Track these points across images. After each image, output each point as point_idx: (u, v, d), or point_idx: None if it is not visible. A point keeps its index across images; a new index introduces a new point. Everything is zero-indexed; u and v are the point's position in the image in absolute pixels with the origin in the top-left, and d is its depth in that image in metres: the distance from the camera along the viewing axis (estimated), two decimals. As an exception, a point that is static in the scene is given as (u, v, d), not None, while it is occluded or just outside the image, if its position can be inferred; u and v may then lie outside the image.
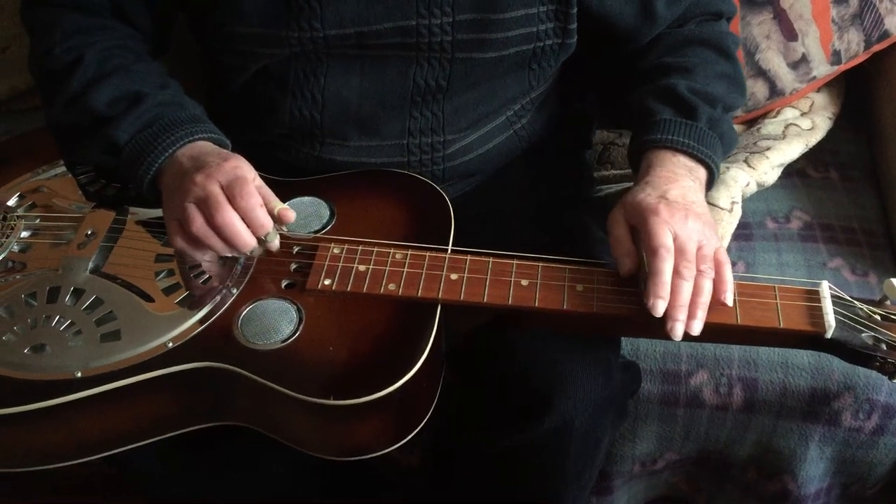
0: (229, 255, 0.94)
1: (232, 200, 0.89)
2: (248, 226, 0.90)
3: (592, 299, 0.92)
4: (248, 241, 0.90)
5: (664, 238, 0.88)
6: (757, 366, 1.15)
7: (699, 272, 0.88)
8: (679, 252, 0.88)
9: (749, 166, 1.27)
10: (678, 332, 0.87)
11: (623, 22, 1.04)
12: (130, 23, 1.05)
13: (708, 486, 1.31)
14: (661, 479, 1.31)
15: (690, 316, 0.87)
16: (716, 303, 0.89)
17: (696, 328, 0.87)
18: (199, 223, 0.89)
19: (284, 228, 0.96)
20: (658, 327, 0.88)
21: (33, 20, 1.05)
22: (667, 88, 1.02)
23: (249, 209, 0.89)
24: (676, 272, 0.87)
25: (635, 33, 1.06)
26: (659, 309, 0.86)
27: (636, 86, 1.07)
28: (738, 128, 1.41)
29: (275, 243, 0.94)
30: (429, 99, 1.05)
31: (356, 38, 0.99)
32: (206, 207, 0.89)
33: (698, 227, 0.91)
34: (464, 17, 0.98)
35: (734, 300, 0.90)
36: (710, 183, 1.01)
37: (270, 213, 0.91)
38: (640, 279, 0.91)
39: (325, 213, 1.02)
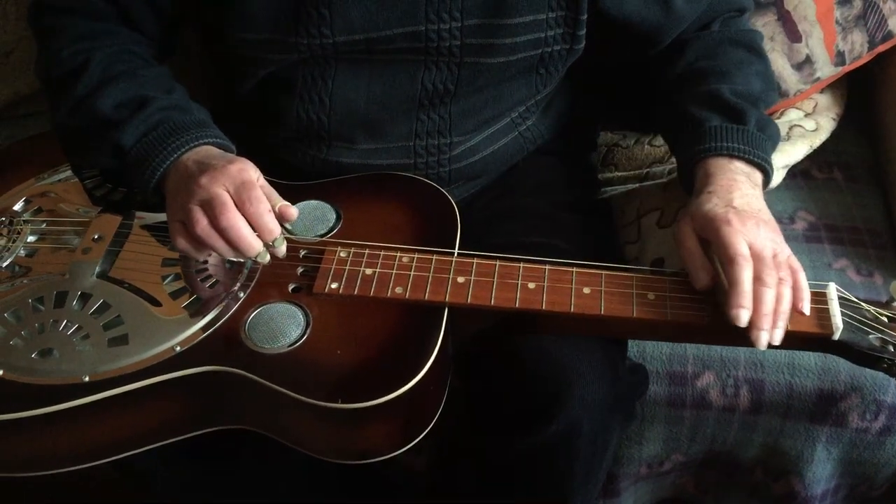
0: (233, 258, 0.94)
1: (241, 206, 0.89)
2: (257, 231, 0.90)
3: (599, 301, 0.92)
4: (252, 244, 0.90)
5: (741, 247, 0.87)
6: (763, 367, 1.15)
7: (779, 280, 0.87)
8: (758, 260, 0.87)
9: (754, 167, 1.27)
10: (763, 341, 0.86)
11: (644, 23, 1.04)
12: (137, 28, 1.05)
13: (714, 487, 1.31)
14: (667, 481, 1.31)
15: (772, 325, 0.86)
16: (795, 312, 0.89)
17: (778, 337, 0.86)
18: (203, 224, 0.89)
19: (288, 226, 0.96)
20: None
21: (40, 25, 1.05)
22: (709, 94, 1.01)
23: (258, 215, 0.89)
24: (759, 280, 0.86)
25: (657, 34, 1.06)
26: (743, 319, 0.85)
27: (672, 92, 1.06)
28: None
29: (282, 249, 0.93)
30: (436, 102, 1.05)
31: (365, 43, 0.99)
32: (211, 209, 0.89)
33: (770, 234, 0.90)
34: (472, 22, 0.98)
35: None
36: (765, 186, 1.00)
37: (272, 209, 0.91)
38: (716, 290, 0.90)
39: (332, 216, 1.02)
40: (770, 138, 1.00)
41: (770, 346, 0.87)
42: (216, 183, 0.89)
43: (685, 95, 1.04)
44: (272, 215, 0.91)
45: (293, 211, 0.93)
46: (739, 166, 0.97)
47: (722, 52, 1.06)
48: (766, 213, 0.94)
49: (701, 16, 1.07)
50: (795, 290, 0.89)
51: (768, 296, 0.86)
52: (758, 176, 0.98)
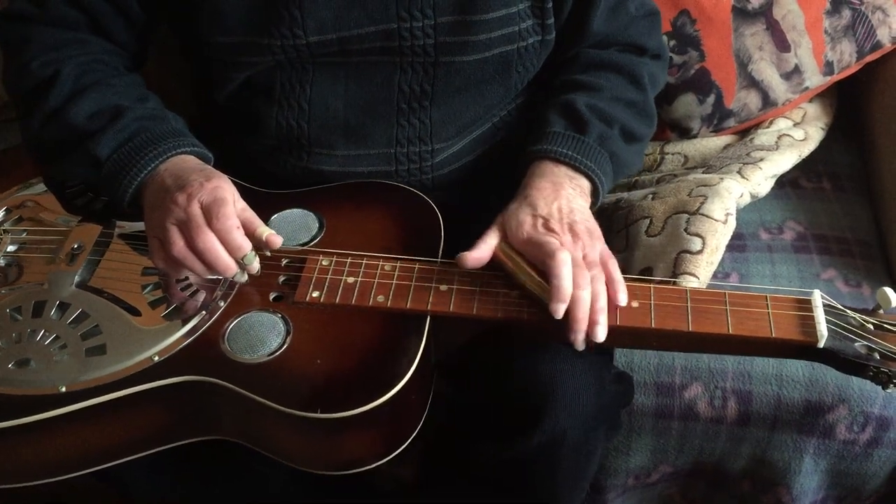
0: (210, 277, 0.93)
1: (209, 222, 0.89)
2: (225, 248, 0.89)
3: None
4: (228, 264, 0.90)
5: (551, 247, 0.89)
6: (751, 378, 1.14)
7: (592, 278, 0.89)
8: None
9: (742, 177, 1.26)
10: (580, 341, 0.89)
11: (563, 27, 1.06)
12: (108, 37, 1.04)
13: (702, 498, 1.30)
14: (655, 492, 1.30)
15: (592, 322, 0.88)
16: (612, 306, 0.90)
17: (602, 333, 0.88)
18: (179, 246, 0.89)
19: (268, 253, 0.95)
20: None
21: (8, 36, 1.04)
22: (566, 102, 1.05)
23: (225, 231, 0.89)
24: (574, 284, 0.88)
25: (567, 41, 1.09)
26: (560, 312, 0.87)
27: (546, 98, 1.09)
28: (730, 138, 1.41)
29: (254, 265, 0.93)
30: (415, 106, 1.05)
31: (338, 43, 0.99)
32: (187, 230, 0.89)
33: (579, 234, 0.92)
34: (445, 19, 0.98)
35: (726, 310, 0.90)
36: (596, 195, 1.01)
37: (258, 237, 0.91)
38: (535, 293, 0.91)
39: (314, 225, 1.02)
40: (612, 155, 1.03)
41: (594, 345, 0.89)
42: (192, 201, 0.89)
43: (551, 101, 1.07)
44: (241, 231, 0.90)
45: (278, 240, 0.92)
46: (564, 171, 1.00)
47: (602, 74, 1.09)
48: (581, 213, 0.96)
49: (602, 39, 1.10)
50: (609, 282, 0.91)
51: (583, 297, 0.87)
52: (584, 182, 1.00)
